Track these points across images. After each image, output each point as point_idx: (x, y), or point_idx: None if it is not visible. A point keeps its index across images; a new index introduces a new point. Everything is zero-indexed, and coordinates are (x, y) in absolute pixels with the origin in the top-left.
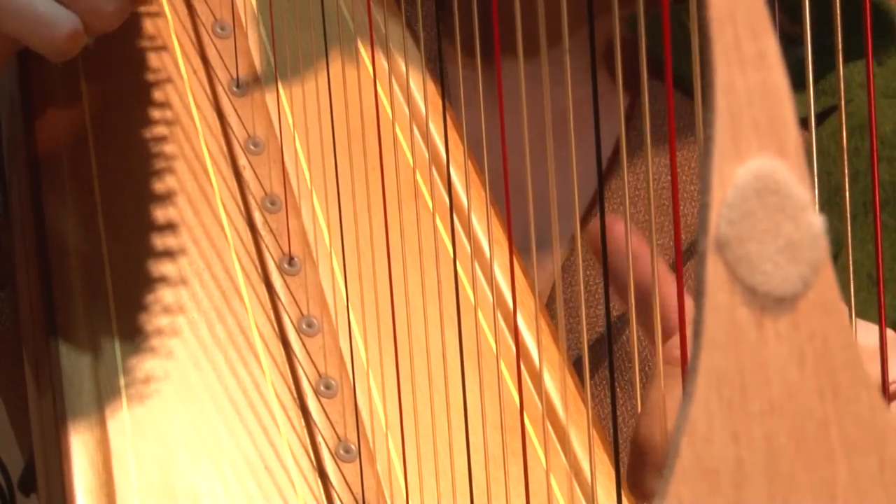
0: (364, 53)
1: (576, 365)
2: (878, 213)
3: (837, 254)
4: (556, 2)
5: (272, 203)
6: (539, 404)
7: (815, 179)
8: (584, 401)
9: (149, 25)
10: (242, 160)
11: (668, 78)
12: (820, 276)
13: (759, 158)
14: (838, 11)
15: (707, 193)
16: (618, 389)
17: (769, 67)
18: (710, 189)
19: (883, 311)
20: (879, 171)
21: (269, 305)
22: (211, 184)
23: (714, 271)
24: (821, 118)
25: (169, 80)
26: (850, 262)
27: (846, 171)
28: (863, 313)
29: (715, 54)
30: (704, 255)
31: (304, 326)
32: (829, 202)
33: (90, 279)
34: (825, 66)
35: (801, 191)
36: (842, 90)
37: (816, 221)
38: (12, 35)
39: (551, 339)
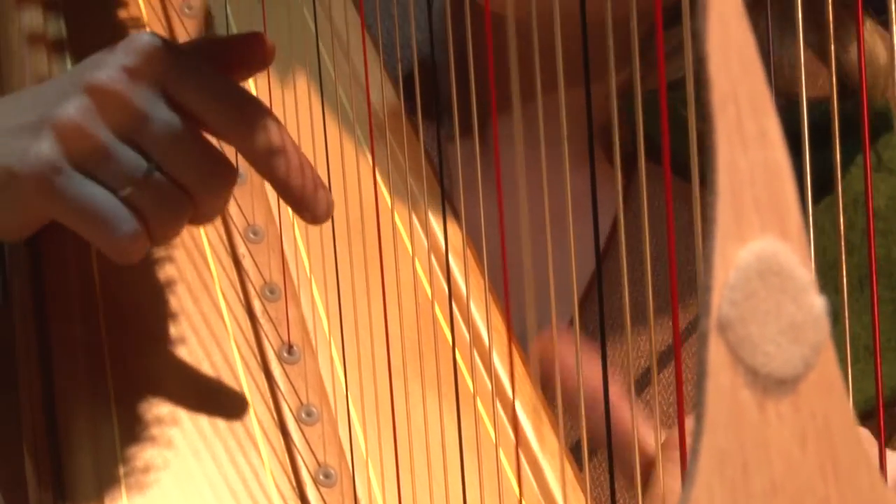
0: (363, 143)
1: (575, 448)
2: (874, 285)
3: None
4: (554, 86)
5: (271, 291)
6: (540, 500)
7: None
8: (583, 488)
9: None
10: (242, 248)
11: (665, 160)
12: (821, 356)
13: (762, 239)
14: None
15: (709, 274)
16: (616, 471)
17: (771, 146)
18: (713, 270)
19: (879, 382)
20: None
21: (268, 394)
22: (210, 272)
23: (716, 353)
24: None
25: None
26: (847, 335)
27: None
28: (859, 384)
29: (717, 133)
30: (706, 336)
31: (303, 415)
32: (825, 276)
33: (91, 367)
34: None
35: (803, 272)
36: (837, 165)
37: (818, 303)
38: (73, 228)
39: (550, 428)
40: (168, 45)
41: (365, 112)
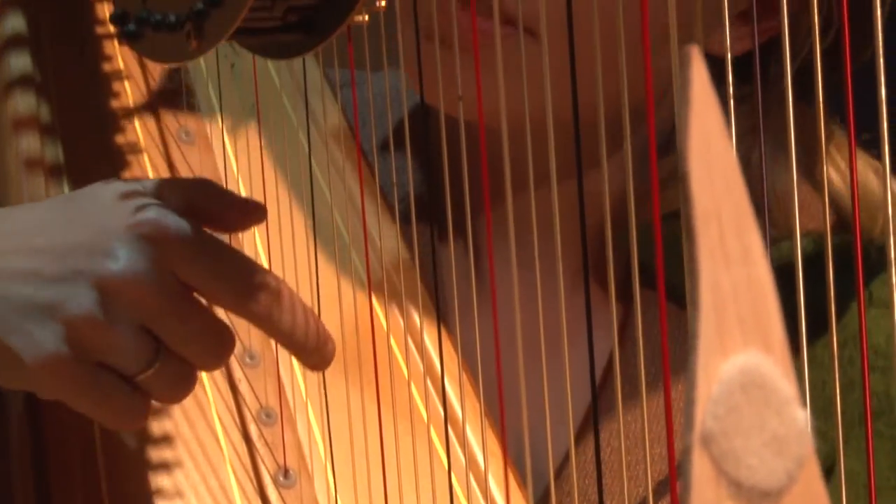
0: (359, 265)
1: None
2: (868, 422)
3: (832, 466)
4: (548, 210)
5: (267, 416)
6: None
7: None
8: None
9: None
10: (238, 373)
11: (660, 288)
12: (805, 469)
13: (745, 353)
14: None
15: (693, 389)
16: None
17: (753, 263)
18: (696, 384)
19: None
20: (873, 381)
21: None
22: (207, 396)
23: (700, 466)
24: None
25: None
26: (842, 473)
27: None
28: None
29: (700, 251)
30: (690, 450)
31: None
32: (825, 412)
33: (87, 492)
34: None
35: (786, 385)
36: (832, 303)
37: (801, 416)
38: (85, 413)
39: None
40: (173, 222)
41: (360, 234)
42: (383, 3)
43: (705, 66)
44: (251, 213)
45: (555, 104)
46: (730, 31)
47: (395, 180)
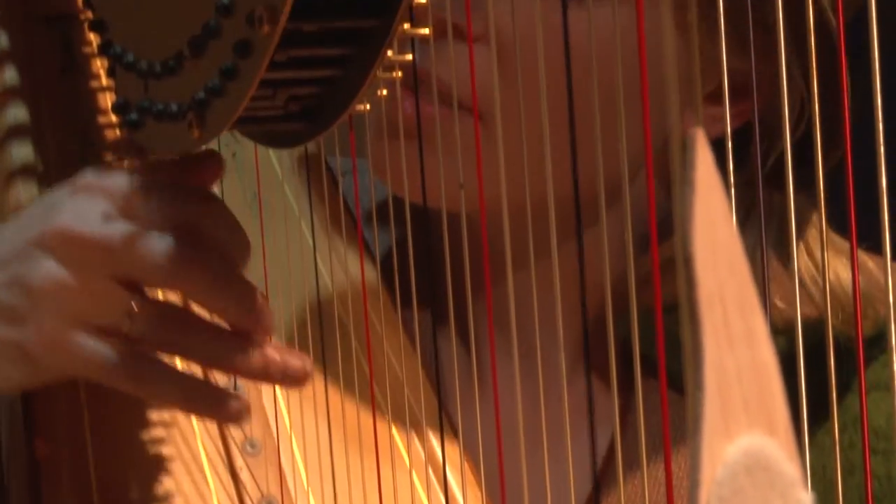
0: (360, 354)
1: None
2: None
3: None
4: (550, 298)
5: None
6: None
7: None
8: None
9: None
10: (239, 462)
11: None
12: None
13: (749, 435)
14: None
15: (697, 471)
16: None
17: (757, 345)
18: (700, 467)
19: None
20: (874, 463)
21: None
22: (208, 485)
23: None
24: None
25: None
26: None
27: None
28: None
29: (704, 333)
30: None
31: None
32: (826, 495)
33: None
34: None
35: (791, 467)
36: (833, 388)
37: (806, 498)
38: (102, 381)
39: None
40: (111, 172)
41: (362, 324)
42: (384, 92)
43: (709, 150)
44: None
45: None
46: (703, 112)
47: (395, 265)
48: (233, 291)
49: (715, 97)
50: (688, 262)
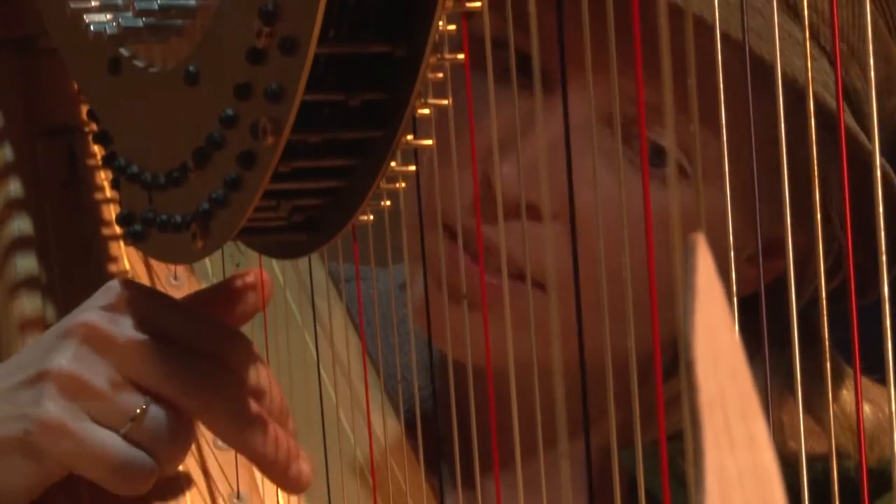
0: (365, 466)
1: None
2: None
3: None
4: (552, 411)
5: None
6: None
7: None
8: None
9: None
10: None
11: None
12: None
13: None
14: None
15: None
16: None
17: (759, 449)
18: None
19: None
20: None
21: None
22: None
23: None
24: None
25: None
26: None
27: None
28: None
29: (706, 437)
30: None
31: None
32: None
33: None
34: None
35: None
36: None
37: None
38: (89, 478)
39: None
40: (141, 285)
41: (366, 436)
42: (387, 203)
43: (710, 255)
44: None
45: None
46: (737, 275)
47: (399, 379)
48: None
49: (752, 259)
50: (689, 366)
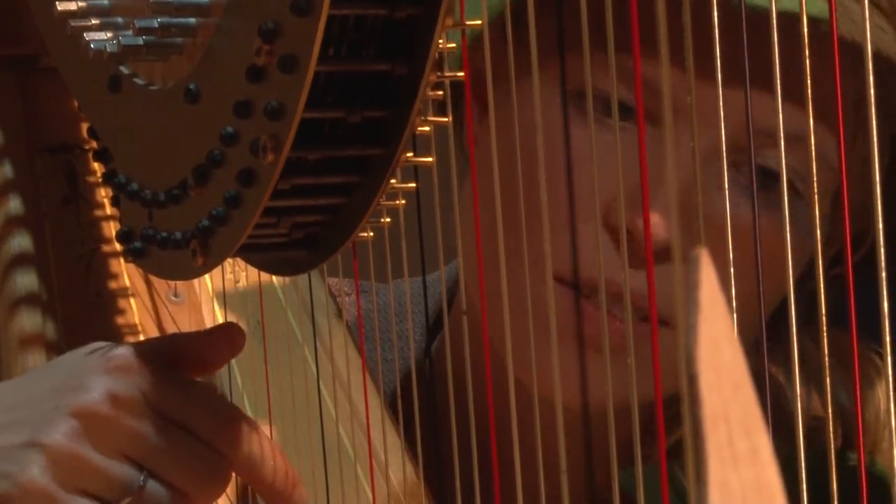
0: (364, 481)
1: None
2: None
3: None
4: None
5: None
6: None
7: None
8: None
9: None
10: None
11: None
12: None
13: None
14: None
15: None
16: None
17: (762, 464)
18: None
19: None
20: None
21: None
22: None
23: None
24: None
25: None
26: None
27: None
28: None
29: (709, 452)
30: None
31: None
32: None
33: None
34: None
35: None
36: None
37: None
38: None
39: None
40: (143, 357)
41: (365, 450)
42: (388, 220)
43: (713, 270)
44: (227, 340)
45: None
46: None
47: (398, 394)
48: None
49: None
50: (692, 381)
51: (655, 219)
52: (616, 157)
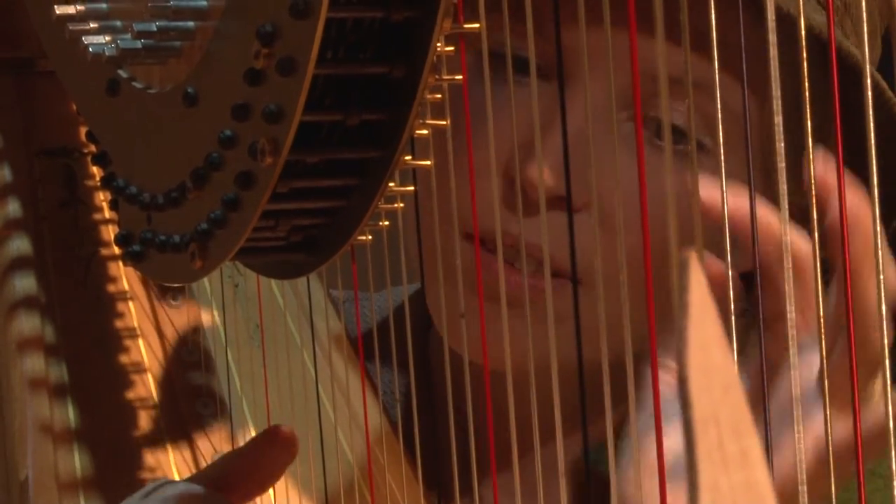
0: (362, 484)
1: None
2: None
3: None
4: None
5: None
6: None
7: None
8: None
9: None
10: None
11: None
12: None
13: None
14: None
15: None
16: None
17: (751, 466)
18: None
19: None
20: None
21: None
22: None
23: None
24: None
25: None
26: None
27: None
28: None
29: (698, 454)
30: None
31: None
32: None
33: None
34: None
35: None
36: None
37: None
38: None
39: None
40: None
41: (364, 456)
42: (386, 223)
43: (704, 273)
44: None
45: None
46: None
47: (397, 398)
48: None
49: None
50: (683, 384)
51: (546, 171)
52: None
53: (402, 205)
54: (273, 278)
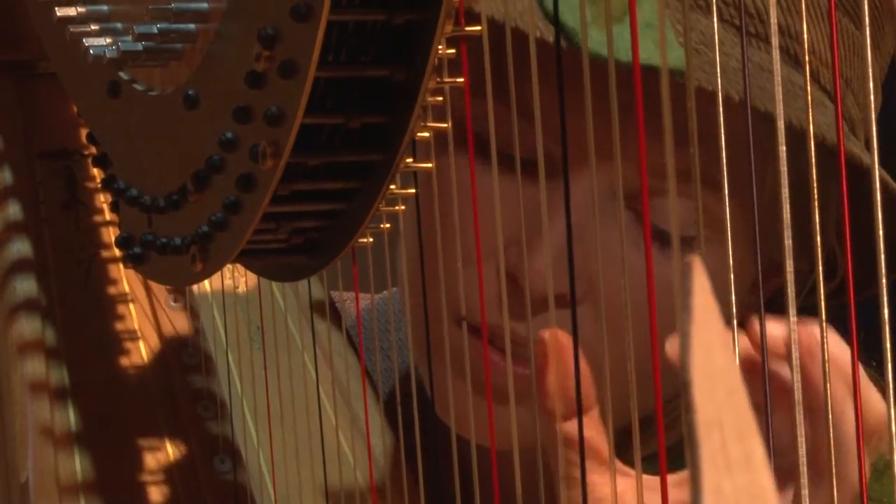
0: (365, 489)
1: None
2: None
3: None
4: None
5: None
6: None
7: None
8: None
9: None
10: None
11: None
12: None
13: None
14: None
15: None
16: None
17: (755, 470)
18: None
19: None
20: None
21: None
22: None
23: None
24: None
25: None
26: None
27: None
28: None
29: (702, 458)
30: None
31: None
32: None
33: None
34: None
35: None
36: None
37: None
38: None
39: None
40: None
41: (366, 459)
42: (387, 225)
43: (707, 277)
44: None
45: None
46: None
47: (399, 401)
48: None
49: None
50: (686, 387)
51: (542, 267)
52: (516, 206)
53: (403, 207)
54: (274, 280)
